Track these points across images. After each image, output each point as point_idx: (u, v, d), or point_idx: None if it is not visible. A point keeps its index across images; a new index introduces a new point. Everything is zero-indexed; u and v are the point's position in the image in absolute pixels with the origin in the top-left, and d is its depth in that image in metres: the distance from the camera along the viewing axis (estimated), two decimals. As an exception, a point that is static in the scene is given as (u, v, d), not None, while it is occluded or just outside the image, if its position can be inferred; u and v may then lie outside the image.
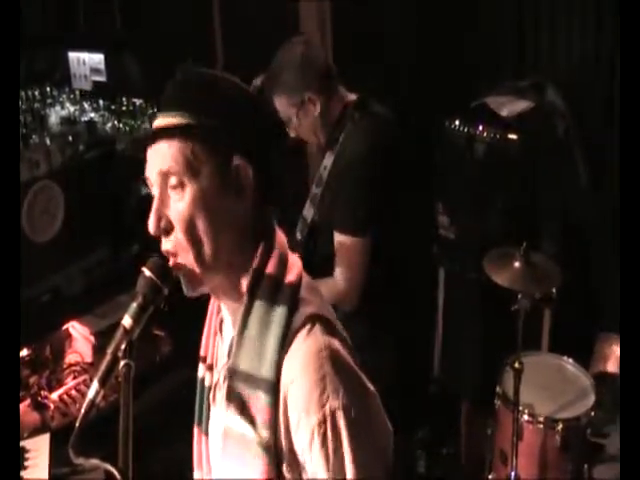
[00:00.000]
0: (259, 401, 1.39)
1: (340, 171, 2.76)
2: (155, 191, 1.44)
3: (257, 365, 1.40)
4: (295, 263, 1.51)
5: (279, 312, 1.42)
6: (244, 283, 1.47)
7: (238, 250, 1.47)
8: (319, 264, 2.68)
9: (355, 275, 2.72)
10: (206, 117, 1.41)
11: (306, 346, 1.39)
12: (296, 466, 1.41)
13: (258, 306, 1.44)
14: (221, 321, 1.62)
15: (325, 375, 1.36)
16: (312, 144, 3.12)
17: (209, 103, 1.43)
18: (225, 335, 1.59)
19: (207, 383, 1.63)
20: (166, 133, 1.41)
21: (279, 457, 1.40)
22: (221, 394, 1.52)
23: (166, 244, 1.45)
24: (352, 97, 2.85)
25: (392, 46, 4.05)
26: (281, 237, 1.53)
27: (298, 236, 2.86)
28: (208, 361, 1.64)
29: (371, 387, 1.47)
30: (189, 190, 1.40)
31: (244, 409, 1.41)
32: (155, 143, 1.42)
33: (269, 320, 1.42)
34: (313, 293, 1.50)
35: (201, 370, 1.66)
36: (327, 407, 1.35)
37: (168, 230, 1.43)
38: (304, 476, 1.41)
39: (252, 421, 1.40)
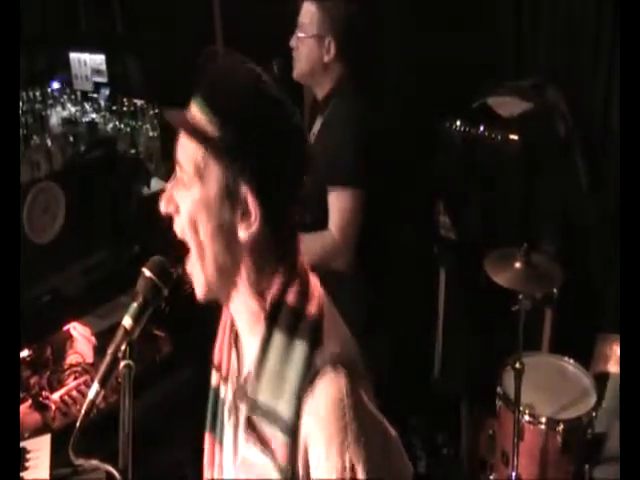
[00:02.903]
0: (277, 440, 1.37)
1: (330, 130, 2.87)
2: (176, 171, 1.44)
3: (277, 402, 1.37)
4: (316, 290, 1.46)
5: (300, 349, 1.37)
6: (261, 309, 1.43)
7: (250, 272, 1.42)
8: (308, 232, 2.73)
9: (348, 227, 2.78)
10: (228, 134, 1.36)
11: (328, 392, 1.35)
12: None
13: (277, 338, 1.40)
14: (236, 335, 1.57)
15: (347, 425, 1.33)
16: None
17: (237, 120, 1.37)
18: (241, 351, 1.55)
19: (222, 394, 1.60)
20: (188, 128, 1.39)
21: None
22: (238, 417, 1.50)
23: (176, 225, 1.45)
24: (347, 72, 2.95)
25: (392, 46, 4.05)
26: (304, 261, 1.48)
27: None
28: (223, 372, 1.60)
29: (392, 431, 1.45)
30: (194, 191, 1.38)
31: (263, 443, 1.39)
32: (181, 130, 1.41)
33: (289, 356, 1.38)
34: (336, 325, 1.47)
35: (215, 378, 1.63)
36: (347, 455, 1.32)
37: (175, 213, 1.43)
38: None
39: (270, 456, 1.38)
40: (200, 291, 1.46)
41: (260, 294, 1.43)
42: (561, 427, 2.97)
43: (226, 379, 1.59)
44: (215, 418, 1.62)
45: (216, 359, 1.63)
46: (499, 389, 3.14)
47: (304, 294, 1.43)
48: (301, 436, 1.36)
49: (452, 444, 3.96)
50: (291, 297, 1.41)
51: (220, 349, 1.62)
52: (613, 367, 3.33)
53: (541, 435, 3.00)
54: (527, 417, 3.00)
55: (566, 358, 3.27)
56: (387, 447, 1.43)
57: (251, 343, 1.46)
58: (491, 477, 3.27)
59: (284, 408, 1.36)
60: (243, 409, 1.45)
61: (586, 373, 3.21)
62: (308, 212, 2.80)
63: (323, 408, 1.34)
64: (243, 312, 1.47)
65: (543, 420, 2.99)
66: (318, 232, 2.76)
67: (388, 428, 1.44)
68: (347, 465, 1.32)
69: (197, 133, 1.37)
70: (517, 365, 2.93)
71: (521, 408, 2.97)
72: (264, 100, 1.39)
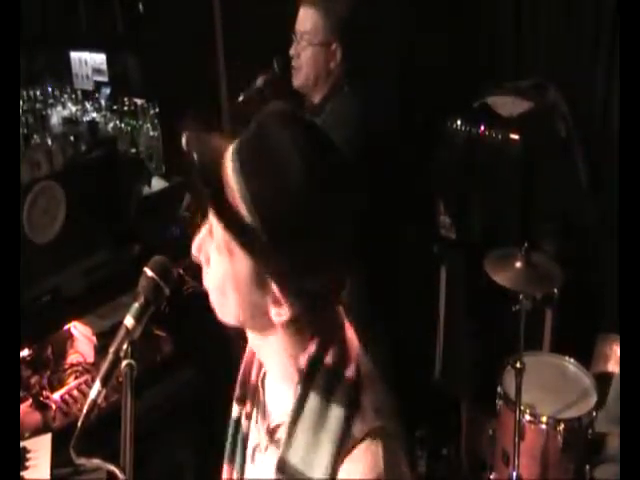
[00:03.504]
0: None
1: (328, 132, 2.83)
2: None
3: (309, 466, 1.32)
4: (354, 351, 1.39)
5: (337, 412, 1.31)
6: (296, 367, 1.36)
7: (284, 338, 1.37)
8: None
9: None
10: (265, 234, 1.23)
11: (366, 464, 1.29)
12: None
13: (313, 398, 1.33)
14: (264, 376, 1.52)
15: None
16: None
17: (280, 224, 1.24)
18: (269, 394, 1.51)
19: (244, 428, 1.55)
20: (225, 219, 1.27)
21: None
22: (258, 457, 1.47)
23: (205, 276, 1.39)
24: (344, 73, 2.95)
25: (392, 46, 4.05)
26: (342, 321, 1.42)
27: None
28: (247, 408, 1.54)
29: None
30: (225, 262, 1.32)
31: None
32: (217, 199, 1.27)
33: (325, 419, 1.32)
34: (374, 389, 1.38)
35: (237, 411, 1.56)
36: None
37: (205, 264, 1.37)
38: None
39: None
40: (221, 319, 1.40)
41: (296, 353, 1.37)
42: (562, 427, 2.97)
43: (249, 416, 1.54)
44: (234, 451, 1.58)
45: (239, 392, 1.56)
46: (500, 389, 3.14)
47: (342, 355, 1.36)
48: None
49: (452, 444, 3.96)
50: (329, 359, 1.35)
51: (244, 383, 1.56)
52: (613, 367, 3.33)
53: (542, 435, 3.00)
54: (528, 417, 3.01)
55: (567, 358, 3.28)
56: None
57: (283, 393, 1.41)
58: (491, 477, 3.27)
59: (317, 473, 1.30)
60: (272, 461, 1.38)
61: (587, 373, 3.21)
62: None
63: (358, 478, 1.29)
64: (274, 362, 1.42)
65: (544, 420, 3.00)
66: None
67: None
68: None
69: (231, 223, 1.26)
70: (518, 365, 2.93)
71: (522, 408, 2.97)
72: (311, 199, 1.25)
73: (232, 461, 1.59)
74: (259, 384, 1.53)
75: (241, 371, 1.57)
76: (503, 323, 3.19)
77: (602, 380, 3.24)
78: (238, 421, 1.57)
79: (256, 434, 1.52)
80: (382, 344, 2.89)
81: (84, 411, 1.33)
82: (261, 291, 1.31)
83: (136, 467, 1.24)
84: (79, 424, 1.31)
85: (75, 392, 2.67)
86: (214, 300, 1.38)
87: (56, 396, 2.64)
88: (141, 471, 1.27)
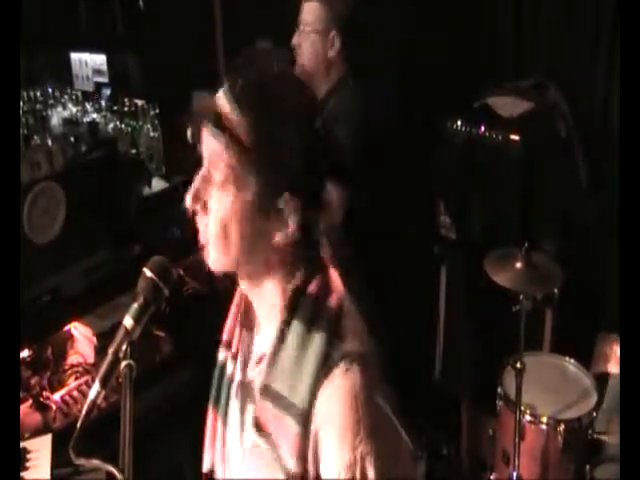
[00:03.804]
0: (289, 428, 1.37)
1: (327, 126, 2.83)
2: (204, 166, 1.40)
3: (291, 390, 1.38)
4: (337, 286, 1.47)
5: (318, 338, 1.38)
6: (283, 299, 1.44)
7: (277, 267, 1.43)
8: None
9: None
10: (260, 141, 1.35)
11: (343, 385, 1.35)
12: None
13: (296, 326, 1.40)
14: (249, 315, 1.58)
15: (360, 419, 1.33)
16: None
17: (267, 127, 1.36)
18: (256, 333, 1.56)
19: (229, 371, 1.59)
20: (223, 129, 1.35)
21: None
22: (243, 393, 1.52)
23: (200, 220, 1.42)
24: (348, 68, 2.99)
25: (393, 44, 4.05)
26: (328, 260, 1.50)
27: None
28: (233, 350, 1.60)
29: (405, 436, 1.45)
30: (228, 195, 1.37)
31: (273, 432, 1.39)
32: (211, 127, 1.37)
33: (307, 344, 1.38)
34: (355, 321, 1.46)
35: (222, 354, 1.62)
36: (359, 451, 1.32)
37: (203, 211, 1.40)
38: None
39: (279, 445, 1.38)
40: (217, 269, 1.44)
41: (283, 287, 1.44)
42: (562, 427, 2.97)
43: (235, 357, 1.59)
44: (219, 394, 1.62)
45: (226, 336, 1.63)
46: (500, 389, 3.14)
47: (326, 286, 1.45)
48: (312, 428, 1.36)
49: (453, 444, 3.96)
50: (313, 288, 1.43)
51: (232, 327, 1.62)
52: (614, 367, 3.33)
53: (542, 435, 3.00)
54: (528, 417, 3.00)
55: (567, 358, 3.28)
56: (397, 448, 1.43)
57: (268, 328, 1.47)
58: (492, 477, 3.26)
59: (298, 397, 1.36)
60: (254, 392, 1.45)
61: (587, 373, 3.21)
62: None
63: (337, 400, 1.35)
64: (263, 299, 1.48)
65: (544, 420, 2.99)
66: None
67: (399, 429, 1.45)
68: (358, 459, 1.33)
69: (235, 140, 1.34)
70: (518, 365, 2.93)
71: (522, 408, 2.97)
72: (304, 114, 1.43)
73: (217, 405, 1.63)
74: (244, 323, 1.59)
75: (230, 316, 1.63)
76: (503, 323, 3.19)
77: (602, 380, 3.24)
78: (223, 366, 1.61)
79: (240, 371, 1.56)
80: (383, 344, 2.88)
81: (83, 412, 1.33)
82: (265, 215, 1.37)
83: (135, 467, 1.24)
84: (78, 425, 1.31)
85: (75, 393, 2.67)
86: (214, 248, 1.40)
87: (56, 397, 2.64)
88: (140, 471, 1.27)
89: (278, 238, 1.39)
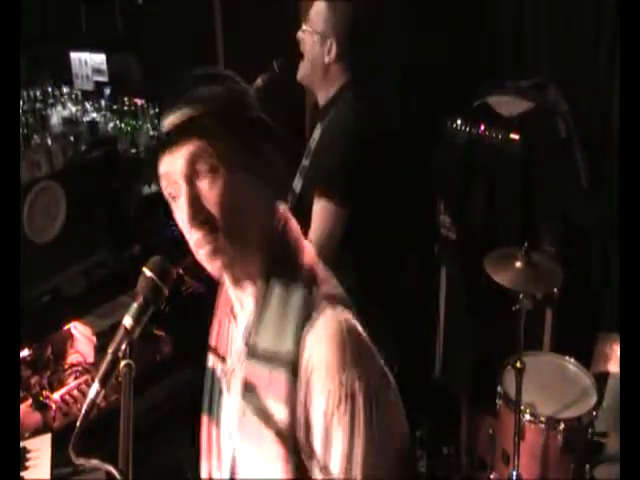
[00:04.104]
0: (279, 378, 1.41)
1: (327, 142, 2.86)
2: (183, 188, 1.42)
3: (278, 342, 1.42)
4: (308, 246, 1.55)
5: (298, 292, 1.45)
6: (263, 266, 1.49)
7: (262, 233, 1.49)
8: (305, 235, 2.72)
9: (324, 238, 2.75)
10: (232, 110, 1.46)
11: (327, 321, 1.41)
12: (310, 455, 1.42)
13: (277, 287, 1.47)
14: (235, 312, 1.62)
15: (345, 347, 1.38)
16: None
17: (225, 99, 1.47)
18: (240, 322, 1.59)
19: (218, 373, 1.63)
20: (191, 124, 1.43)
21: (296, 443, 1.41)
22: (237, 380, 1.53)
23: (197, 234, 1.43)
24: (349, 79, 2.94)
25: (393, 45, 4.05)
26: (294, 223, 1.57)
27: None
28: (220, 351, 1.65)
29: (392, 379, 1.51)
30: (222, 174, 1.42)
31: (263, 388, 1.43)
32: (179, 141, 1.43)
33: (289, 300, 1.45)
34: (328, 275, 1.53)
35: (211, 360, 1.67)
36: (345, 374, 1.37)
37: (209, 218, 1.42)
38: (315, 464, 1.42)
39: (270, 401, 1.42)
40: (219, 267, 1.47)
41: (264, 251, 1.49)
42: (562, 426, 2.97)
43: (223, 358, 1.63)
44: (211, 399, 1.65)
45: (213, 341, 1.68)
46: (500, 388, 3.14)
47: (299, 247, 1.53)
48: (302, 374, 1.40)
49: (452, 443, 3.96)
50: (288, 255, 1.50)
51: (218, 328, 1.68)
52: (614, 367, 3.33)
53: (542, 434, 3.00)
54: (528, 416, 3.01)
55: (567, 358, 3.28)
56: (383, 379, 1.47)
57: (251, 300, 1.52)
58: (491, 476, 3.26)
59: (285, 344, 1.41)
60: (244, 366, 1.49)
61: (587, 373, 3.21)
62: (304, 218, 2.83)
63: (323, 338, 1.39)
64: (248, 274, 1.51)
65: (544, 419, 3.00)
66: None
67: (388, 373, 1.50)
68: (344, 384, 1.37)
69: (204, 118, 1.43)
70: (518, 364, 2.93)
71: (522, 407, 2.97)
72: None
73: (210, 411, 1.66)
74: (232, 319, 1.63)
75: (215, 321, 1.69)
76: (503, 323, 3.19)
77: (602, 380, 3.24)
78: (213, 370, 1.66)
79: (230, 362, 1.60)
80: (383, 344, 2.88)
81: (83, 411, 1.33)
82: (256, 164, 1.46)
83: (135, 467, 1.23)
84: (78, 424, 1.31)
85: (75, 392, 2.67)
86: (223, 239, 1.43)
87: (56, 396, 2.64)
88: (140, 471, 1.26)
89: (266, 189, 1.49)
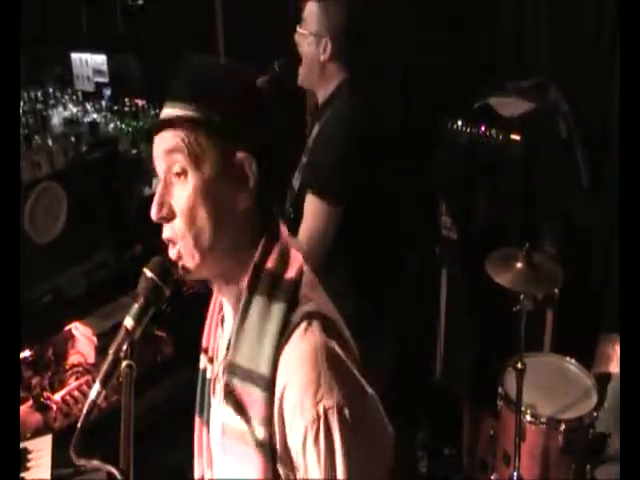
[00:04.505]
0: (255, 397, 1.40)
1: (324, 139, 2.87)
2: (160, 177, 1.46)
3: (254, 360, 1.41)
4: (296, 259, 1.51)
5: (277, 308, 1.42)
6: (245, 278, 1.47)
7: (238, 243, 1.47)
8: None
9: (315, 236, 2.76)
10: (211, 111, 1.42)
11: (303, 343, 1.39)
12: (291, 466, 1.41)
13: (257, 301, 1.44)
14: (223, 315, 1.62)
15: (320, 374, 1.36)
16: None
17: (215, 96, 1.44)
18: (226, 329, 1.59)
19: (208, 375, 1.64)
20: (172, 123, 1.42)
21: (274, 455, 1.40)
22: (220, 387, 1.53)
23: (166, 231, 1.46)
24: (346, 77, 2.94)
25: (393, 45, 4.05)
26: (284, 232, 1.54)
27: (287, 205, 2.89)
28: (210, 353, 1.65)
29: (369, 389, 1.46)
30: (191, 179, 1.41)
31: (241, 405, 1.42)
32: (161, 131, 1.44)
33: (268, 315, 1.42)
34: (315, 290, 1.51)
35: (203, 361, 1.67)
36: (321, 405, 1.34)
37: (169, 218, 1.44)
38: (298, 476, 1.41)
39: (248, 417, 1.41)
40: (190, 274, 1.48)
41: (246, 263, 1.47)
42: (562, 427, 2.97)
43: (212, 359, 1.63)
44: (203, 400, 1.65)
45: (204, 342, 1.68)
46: (500, 389, 3.14)
47: (283, 260, 1.49)
48: (277, 392, 1.38)
49: (453, 444, 3.96)
50: (271, 262, 1.47)
51: (209, 330, 1.68)
52: (615, 367, 3.33)
53: (542, 435, 3.00)
54: (528, 417, 3.01)
55: (568, 358, 3.28)
56: (362, 402, 1.43)
57: (231, 314, 1.52)
58: (492, 477, 3.26)
59: (261, 364, 1.40)
60: (224, 378, 1.48)
61: (587, 373, 3.21)
62: (294, 214, 2.83)
63: (297, 359, 1.38)
64: (229, 285, 1.51)
65: (544, 420, 3.00)
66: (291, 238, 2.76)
67: (365, 385, 1.46)
68: (321, 415, 1.35)
69: (182, 120, 1.42)
70: (519, 365, 2.93)
71: (522, 408, 2.97)
72: (234, 73, 1.54)
73: (201, 411, 1.66)
74: (219, 324, 1.64)
75: (207, 323, 1.68)
76: (504, 323, 3.19)
77: (604, 381, 3.24)
78: (204, 371, 1.65)
79: (216, 367, 1.60)
80: (383, 344, 2.88)
81: (84, 412, 1.33)
82: (227, 178, 1.43)
83: (136, 467, 1.23)
84: (79, 425, 1.31)
85: (76, 393, 2.67)
86: (185, 244, 1.44)
87: (57, 397, 2.64)
88: (141, 471, 1.26)
89: (241, 200, 1.44)
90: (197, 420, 1.68)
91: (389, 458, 1.49)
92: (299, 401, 1.36)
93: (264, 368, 1.39)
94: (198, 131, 1.41)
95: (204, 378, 1.66)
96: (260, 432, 1.39)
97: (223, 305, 1.60)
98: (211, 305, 1.69)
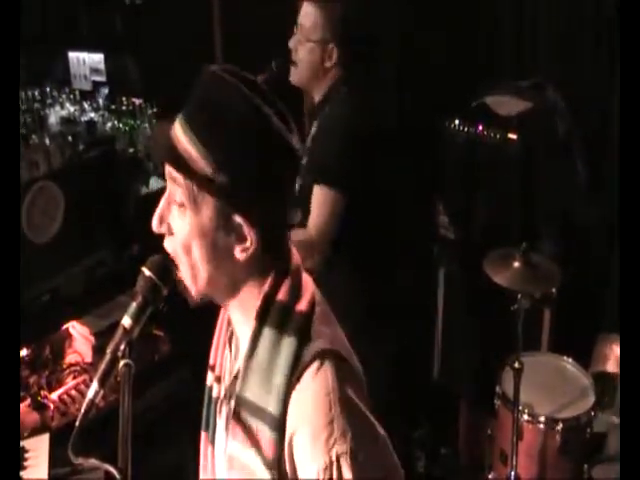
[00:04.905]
0: (264, 435, 1.37)
1: (322, 134, 2.89)
2: (168, 187, 1.42)
3: (264, 397, 1.38)
4: (309, 289, 1.47)
5: (288, 343, 1.38)
6: (254, 305, 1.43)
7: (242, 280, 1.44)
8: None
9: (324, 225, 2.79)
10: (220, 171, 1.33)
11: (315, 385, 1.36)
12: None
13: (267, 333, 1.41)
14: (231, 334, 1.59)
15: (333, 419, 1.33)
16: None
17: (229, 155, 1.35)
18: (234, 350, 1.57)
19: (215, 394, 1.61)
20: (178, 160, 1.36)
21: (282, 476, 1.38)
22: (225, 410, 1.52)
23: (167, 244, 1.44)
24: (342, 73, 2.95)
25: (391, 44, 4.05)
26: (296, 260, 1.50)
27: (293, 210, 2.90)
28: (217, 372, 1.62)
29: (381, 431, 1.43)
30: (189, 217, 1.38)
31: (249, 440, 1.40)
32: (170, 162, 1.38)
33: (278, 350, 1.39)
34: (327, 323, 1.46)
35: (209, 379, 1.64)
36: (334, 451, 1.32)
37: (169, 233, 1.42)
38: None
39: (256, 454, 1.38)
40: (193, 297, 1.46)
41: (256, 293, 1.44)
42: (560, 426, 2.97)
43: (219, 379, 1.61)
44: (208, 417, 1.63)
45: (212, 359, 1.64)
46: (498, 389, 3.14)
47: (295, 291, 1.44)
48: (287, 433, 1.36)
49: (451, 444, 3.96)
50: (282, 294, 1.43)
51: (216, 349, 1.64)
52: (612, 367, 3.33)
53: (540, 434, 3.00)
54: (526, 417, 3.00)
55: (565, 358, 3.28)
56: (374, 446, 1.41)
57: (244, 342, 1.47)
58: (490, 477, 3.26)
59: (271, 402, 1.36)
60: (232, 405, 1.45)
61: (585, 373, 3.21)
62: (300, 211, 2.84)
63: (309, 402, 1.35)
64: (239, 312, 1.48)
65: (542, 419, 2.99)
66: (300, 229, 2.77)
67: (377, 427, 1.43)
68: (333, 460, 1.32)
69: (190, 172, 1.35)
70: (516, 365, 2.93)
71: (520, 408, 2.97)
72: (259, 133, 1.36)
73: (207, 428, 1.64)
74: (227, 343, 1.59)
75: (214, 339, 1.64)
76: (502, 323, 3.19)
77: (601, 380, 3.24)
78: (211, 388, 1.62)
79: (222, 388, 1.57)
80: (382, 344, 2.88)
81: (82, 411, 1.33)
82: (225, 232, 1.38)
83: (134, 467, 1.23)
84: (77, 424, 1.31)
85: (73, 392, 2.67)
86: (183, 264, 1.42)
87: (54, 396, 2.64)
88: (139, 471, 1.26)
89: (239, 253, 1.39)
90: (203, 434, 1.66)
91: None
92: (311, 446, 1.33)
93: (274, 408, 1.36)
94: (201, 183, 1.35)
95: (210, 396, 1.62)
96: (268, 470, 1.37)
97: (232, 324, 1.55)
98: (219, 320, 1.65)
